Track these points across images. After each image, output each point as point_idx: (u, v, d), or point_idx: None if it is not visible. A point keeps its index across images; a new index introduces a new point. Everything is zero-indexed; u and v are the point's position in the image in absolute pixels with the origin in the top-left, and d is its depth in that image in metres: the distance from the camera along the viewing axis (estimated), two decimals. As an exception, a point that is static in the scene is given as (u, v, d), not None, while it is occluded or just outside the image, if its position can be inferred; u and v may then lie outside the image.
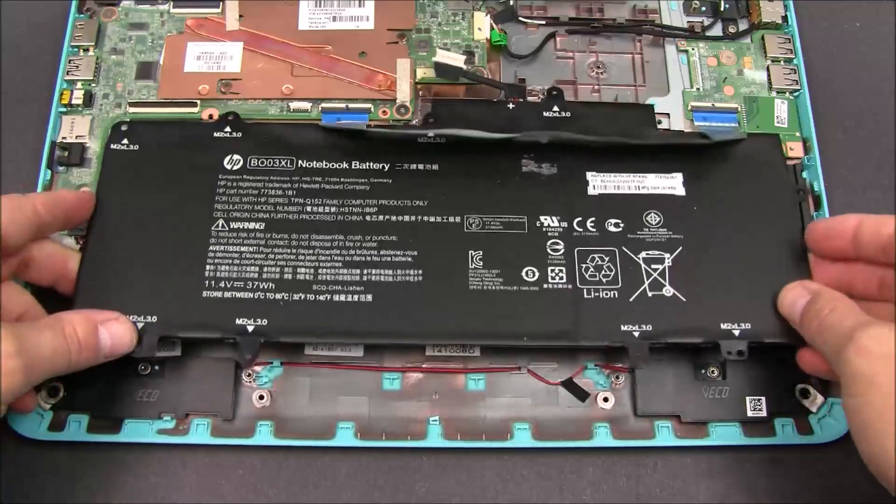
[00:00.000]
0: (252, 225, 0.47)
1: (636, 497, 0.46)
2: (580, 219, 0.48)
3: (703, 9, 0.56)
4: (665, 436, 0.46)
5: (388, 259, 0.46)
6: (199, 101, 0.52)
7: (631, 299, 0.46)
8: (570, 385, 0.47)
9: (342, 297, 0.45)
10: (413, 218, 0.48)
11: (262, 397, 0.46)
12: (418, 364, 0.47)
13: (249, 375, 0.45)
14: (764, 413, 0.46)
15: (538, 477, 0.46)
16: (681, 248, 0.47)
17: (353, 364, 0.46)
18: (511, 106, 0.51)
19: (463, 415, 0.46)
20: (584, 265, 0.47)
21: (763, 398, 0.46)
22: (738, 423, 0.46)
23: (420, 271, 0.46)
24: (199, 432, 0.45)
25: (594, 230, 0.48)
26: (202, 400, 0.45)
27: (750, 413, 0.46)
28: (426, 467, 0.46)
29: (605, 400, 0.46)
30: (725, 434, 0.46)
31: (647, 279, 0.47)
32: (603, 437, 0.46)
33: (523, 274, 0.46)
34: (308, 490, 0.46)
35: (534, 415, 0.46)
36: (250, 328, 0.44)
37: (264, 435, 0.45)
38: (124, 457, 0.46)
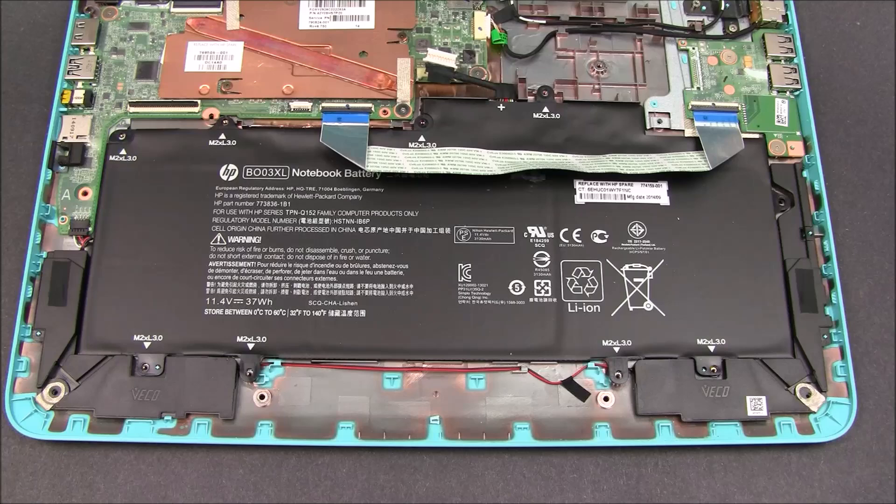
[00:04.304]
0: (249, 239, 0.48)
1: (636, 496, 0.46)
2: (566, 229, 0.49)
3: (704, 8, 0.56)
4: (665, 435, 0.46)
5: (381, 273, 0.48)
6: (199, 101, 0.52)
7: (613, 314, 0.47)
8: (570, 384, 0.47)
9: (337, 313, 0.47)
10: (404, 230, 0.49)
11: (262, 397, 0.46)
12: (418, 364, 0.47)
13: (250, 375, 0.45)
14: (764, 412, 0.46)
15: (538, 476, 0.46)
16: (663, 260, 0.49)
17: (354, 364, 0.47)
18: (501, 107, 0.51)
19: (463, 414, 0.46)
20: (568, 278, 0.48)
21: (763, 398, 0.46)
22: (738, 422, 0.46)
23: (411, 285, 0.47)
24: (200, 432, 0.45)
25: (580, 241, 0.49)
26: (203, 400, 0.45)
27: (750, 412, 0.46)
28: (427, 467, 0.46)
29: (606, 399, 0.46)
30: (725, 433, 0.46)
31: (629, 293, 0.48)
32: (603, 437, 0.46)
33: (510, 287, 0.47)
34: (308, 490, 0.46)
35: (534, 414, 0.46)
36: (250, 346, 0.46)
37: (265, 434, 0.45)
38: (124, 457, 0.46)
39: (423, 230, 0.49)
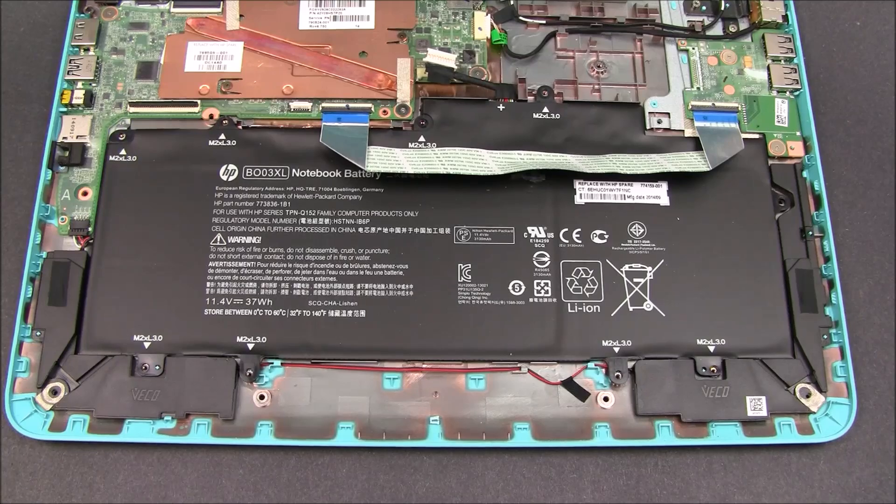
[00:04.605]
0: (249, 239, 0.48)
1: (636, 496, 0.46)
2: (566, 229, 0.49)
3: (704, 8, 0.56)
4: (665, 435, 0.46)
5: (381, 273, 0.48)
6: (199, 101, 0.52)
7: (613, 314, 0.47)
8: (570, 385, 0.47)
9: (337, 313, 0.47)
10: (404, 230, 0.49)
11: (262, 397, 0.46)
12: (418, 364, 0.47)
13: (250, 375, 0.45)
14: (764, 413, 0.46)
15: (538, 476, 0.46)
16: (662, 261, 0.49)
17: (353, 364, 0.47)
18: (501, 107, 0.51)
19: (463, 414, 0.46)
20: (568, 278, 0.48)
21: (763, 398, 0.46)
22: (738, 422, 0.46)
23: (411, 285, 0.47)
24: (200, 432, 0.45)
25: (580, 241, 0.49)
26: (202, 400, 0.45)
27: (750, 413, 0.46)
28: (427, 467, 0.46)
29: (606, 399, 0.46)
30: (725, 434, 0.46)
31: (629, 293, 0.48)
32: (603, 437, 0.46)
33: (510, 288, 0.48)
34: (308, 490, 0.46)
35: (534, 414, 0.46)
36: (250, 346, 0.46)
37: (265, 435, 0.45)
38: (124, 457, 0.46)
39: (423, 230, 0.49)
